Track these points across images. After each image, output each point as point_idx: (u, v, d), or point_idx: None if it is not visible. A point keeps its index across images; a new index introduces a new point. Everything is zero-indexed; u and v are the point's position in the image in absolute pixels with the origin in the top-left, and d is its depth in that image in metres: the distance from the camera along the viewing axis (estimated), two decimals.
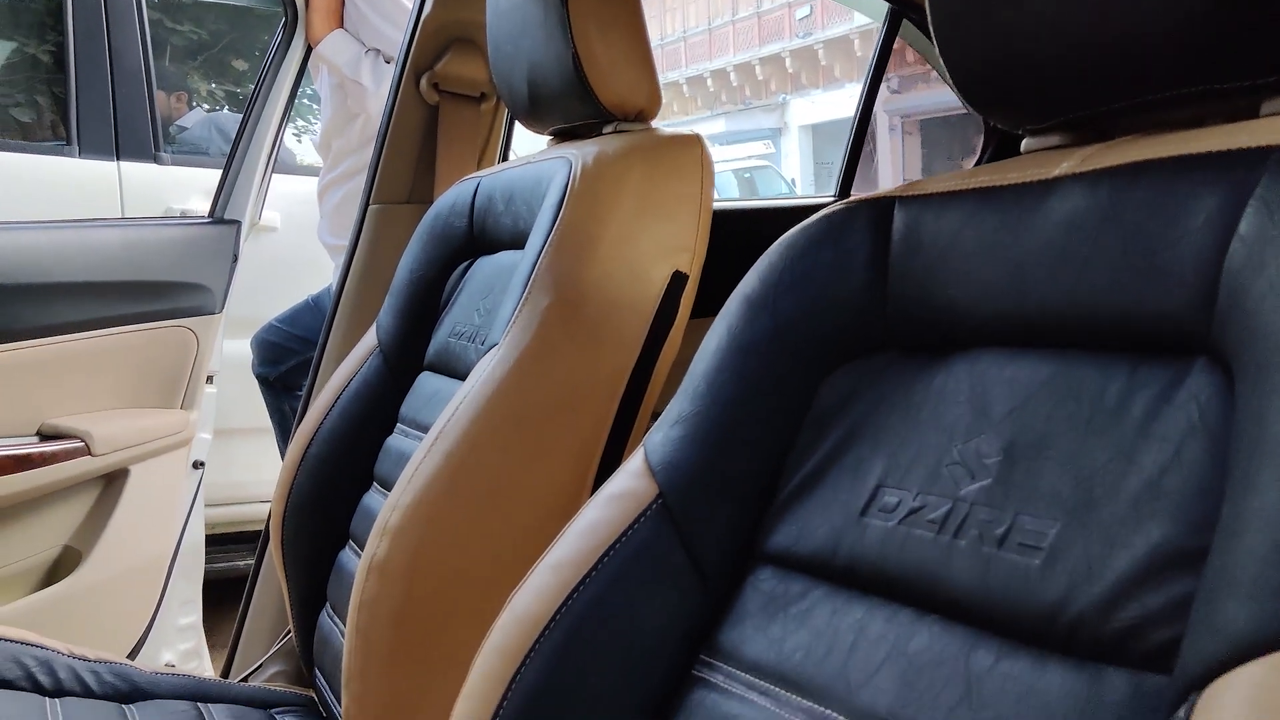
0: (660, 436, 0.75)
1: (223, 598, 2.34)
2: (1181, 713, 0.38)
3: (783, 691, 0.62)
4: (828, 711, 0.58)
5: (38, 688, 1.23)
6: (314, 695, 1.38)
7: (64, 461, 1.74)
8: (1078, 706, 0.47)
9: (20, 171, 2.48)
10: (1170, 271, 0.51)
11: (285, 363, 2.72)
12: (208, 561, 2.17)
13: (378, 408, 1.37)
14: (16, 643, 1.27)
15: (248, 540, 2.88)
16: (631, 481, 0.75)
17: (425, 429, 1.25)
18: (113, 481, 1.85)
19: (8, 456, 1.67)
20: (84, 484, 1.82)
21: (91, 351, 1.83)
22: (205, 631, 2.14)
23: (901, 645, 0.57)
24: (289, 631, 1.43)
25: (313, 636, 1.33)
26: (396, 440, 1.32)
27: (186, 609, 2.09)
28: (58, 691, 1.24)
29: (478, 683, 0.73)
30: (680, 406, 0.75)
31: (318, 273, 2.78)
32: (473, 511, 0.95)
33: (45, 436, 1.77)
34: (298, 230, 2.91)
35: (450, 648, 0.94)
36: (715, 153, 1.07)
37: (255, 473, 2.86)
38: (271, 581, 1.55)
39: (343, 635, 1.23)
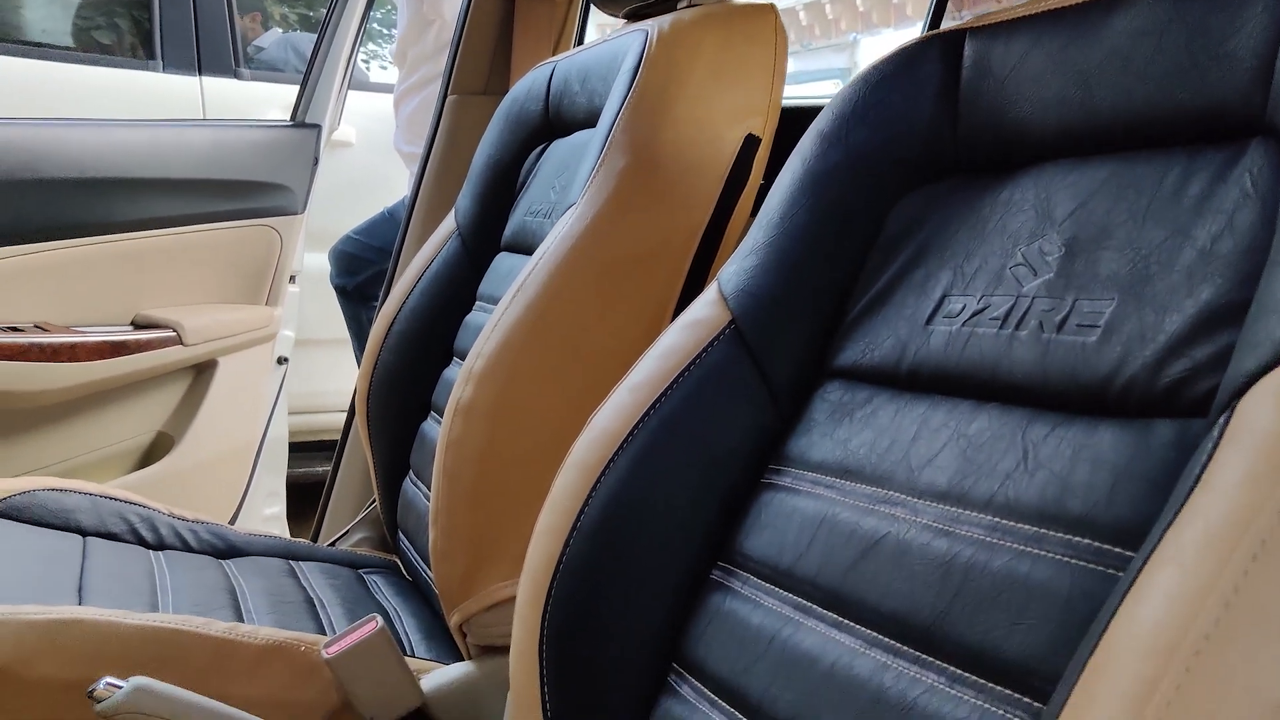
0: (734, 268, 0.79)
1: (302, 499, 2.43)
2: (1221, 420, 0.41)
3: (846, 483, 0.66)
4: (890, 493, 0.62)
5: (141, 541, 1.31)
6: (397, 560, 1.45)
7: (157, 350, 1.82)
8: (1126, 455, 0.50)
9: (108, 85, 2.56)
10: (1229, 60, 0.54)
11: (362, 273, 2.79)
12: (287, 466, 2.26)
13: (456, 288, 1.42)
14: (121, 501, 1.35)
15: (325, 448, 2.98)
16: (706, 310, 0.79)
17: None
18: (202, 372, 1.94)
19: (105, 342, 1.76)
20: (175, 373, 1.90)
21: (182, 247, 1.90)
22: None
23: (962, 429, 0.61)
24: (373, 501, 1.50)
25: (396, 503, 1.40)
26: (475, 316, 1.38)
27: (271, 500, 2.18)
28: (159, 546, 1.32)
29: (558, 496, 0.78)
30: (754, 238, 0.79)
31: (392, 187, 2.85)
32: (551, 360, 0.99)
33: (139, 326, 1.86)
34: (372, 146, 2.97)
35: (531, 485, 0.99)
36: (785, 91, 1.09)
37: (332, 382, 2.95)
38: (356, 455, 1.62)
39: (426, 498, 1.30)
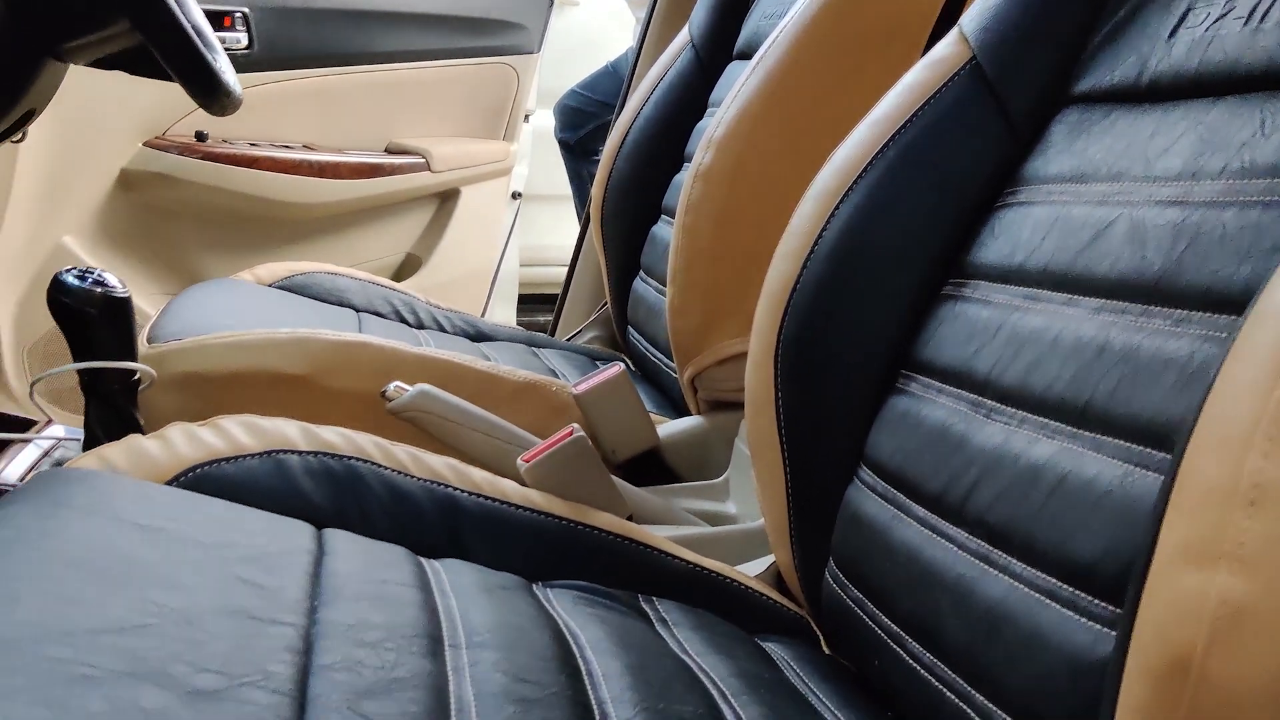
0: (976, 9, 0.82)
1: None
2: None
3: (1081, 186, 0.69)
4: (1125, 185, 0.66)
5: (403, 321, 1.46)
6: (625, 357, 1.55)
7: (408, 174, 1.97)
8: None
9: None
10: None
11: (585, 126, 2.90)
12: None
13: (689, 97, 1.49)
14: (386, 287, 1.50)
15: (547, 300, 3.13)
16: (946, 49, 0.83)
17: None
18: (446, 200, 2.08)
19: (364, 163, 1.92)
20: (423, 199, 2.06)
21: (428, 80, 2.04)
22: None
23: (1200, 118, 0.63)
24: (604, 304, 1.61)
25: (627, 301, 1.49)
26: (707, 122, 1.44)
27: None
28: (419, 327, 1.46)
29: (796, 225, 0.85)
30: None
31: (617, 47, 2.92)
32: (788, 128, 1.05)
33: (392, 152, 2.01)
34: (596, 7, 3.05)
35: (764, 248, 1.06)
36: None
37: (553, 237, 3.08)
38: (589, 263, 1.72)
39: (656, 293, 1.39)
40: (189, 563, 0.61)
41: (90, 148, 1.67)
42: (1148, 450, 0.53)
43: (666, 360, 1.29)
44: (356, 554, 0.69)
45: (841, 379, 0.80)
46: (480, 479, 0.81)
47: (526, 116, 2.23)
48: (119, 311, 0.85)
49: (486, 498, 0.80)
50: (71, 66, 1.11)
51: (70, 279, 0.84)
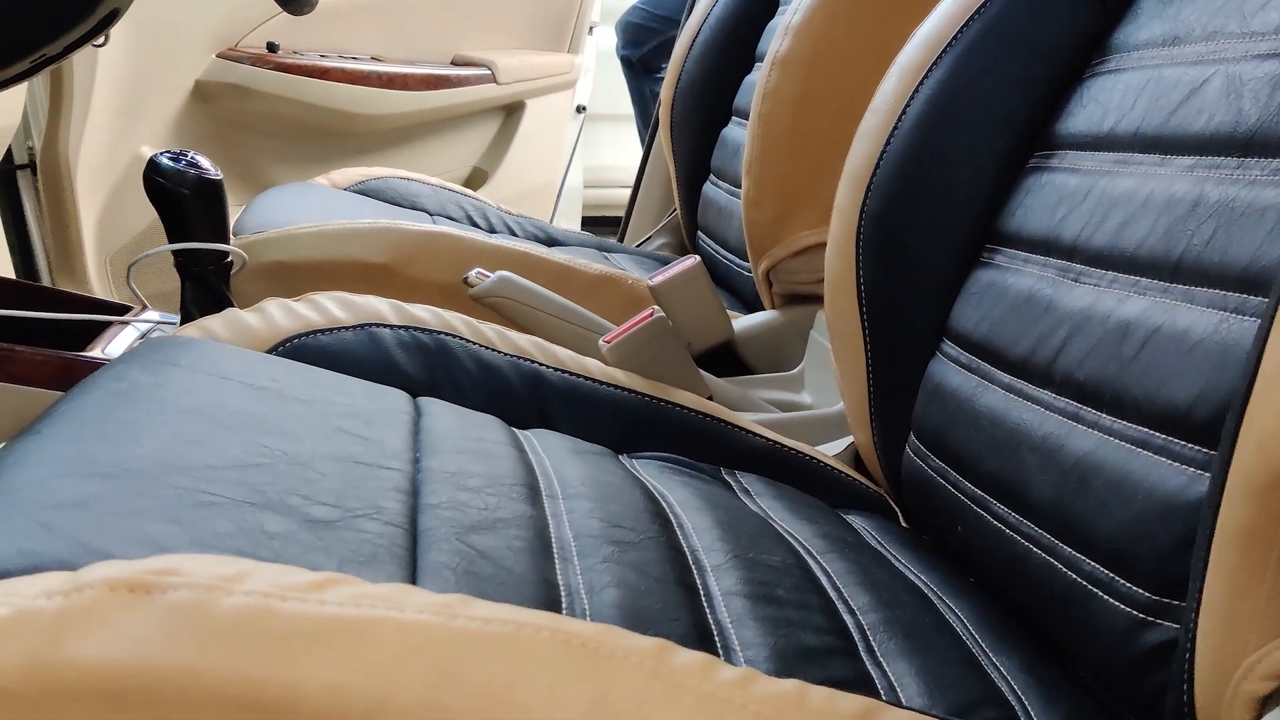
0: None
1: None
2: None
3: (1174, 49, 0.68)
4: (1221, 44, 0.65)
5: (474, 225, 1.47)
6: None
7: (474, 86, 1.98)
8: None
9: None
10: None
11: (648, 43, 2.87)
12: None
13: None
14: (457, 192, 1.51)
15: (609, 223, 3.13)
16: None
17: None
18: (512, 113, 2.09)
19: (431, 74, 1.93)
20: (488, 112, 2.06)
21: None
22: None
23: None
24: (674, 210, 1.61)
25: (697, 205, 1.50)
26: (779, 20, 1.43)
27: None
28: (490, 230, 1.47)
29: (880, 101, 0.84)
30: None
31: None
32: (867, 10, 1.04)
33: (458, 64, 2.01)
34: None
35: (842, 136, 1.05)
36: None
37: (614, 157, 3.07)
38: (657, 171, 1.72)
39: (727, 194, 1.39)
40: (294, 415, 0.63)
41: (165, 59, 1.70)
42: (1244, 296, 0.53)
43: (739, 261, 1.30)
44: (452, 417, 0.71)
45: (925, 255, 0.80)
46: (565, 356, 0.83)
47: (591, 29, 2.22)
48: (212, 193, 0.87)
49: (571, 374, 0.82)
50: None
51: (165, 160, 0.86)
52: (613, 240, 1.56)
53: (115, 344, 0.89)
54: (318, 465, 0.57)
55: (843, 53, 1.05)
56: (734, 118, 1.46)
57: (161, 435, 0.56)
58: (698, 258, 1.08)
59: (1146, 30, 0.72)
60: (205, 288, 0.89)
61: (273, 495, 0.52)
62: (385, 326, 0.79)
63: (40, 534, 0.43)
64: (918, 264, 0.80)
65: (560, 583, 0.53)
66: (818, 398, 1.04)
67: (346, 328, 0.78)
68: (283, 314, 0.77)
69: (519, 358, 0.81)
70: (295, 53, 1.82)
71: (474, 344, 0.80)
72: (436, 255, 1.04)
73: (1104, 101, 0.72)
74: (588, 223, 3.06)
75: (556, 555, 0.55)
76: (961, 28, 0.81)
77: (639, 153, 3.04)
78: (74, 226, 1.65)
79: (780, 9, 1.44)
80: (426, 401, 0.73)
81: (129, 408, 0.59)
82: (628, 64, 2.92)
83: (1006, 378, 0.69)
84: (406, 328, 0.79)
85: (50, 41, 1.15)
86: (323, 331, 0.77)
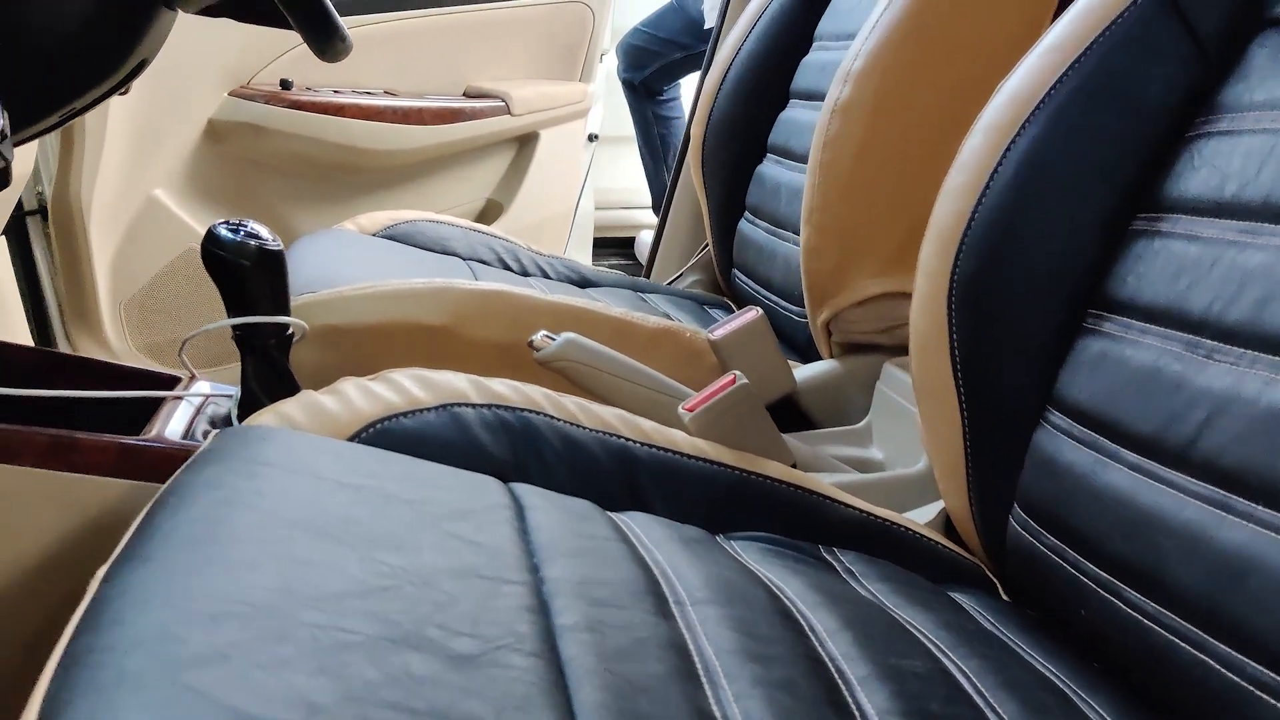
0: None
1: None
2: None
3: None
4: None
5: (507, 268, 1.44)
6: (729, 300, 1.53)
7: (488, 118, 1.94)
8: None
9: None
10: None
11: (649, 66, 2.85)
12: None
13: (794, 30, 1.45)
14: (486, 234, 1.48)
15: (608, 244, 3.10)
16: None
17: (850, 38, 1.31)
18: (525, 143, 2.05)
19: (446, 108, 1.89)
20: (502, 144, 2.03)
21: (503, 21, 2.00)
22: None
23: None
24: (705, 247, 1.58)
25: (731, 243, 1.47)
26: (816, 56, 1.40)
27: None
28: (524, 274, 1.44)
29: (968, 158, 0.81)
30: None
31: None
32: (929, 56, 1.01)
33: (471, 96, 1.98)
34: None
35: (905, 183, 1.03)
36: None
37: (614, 180, 3.04)
38: (685, 205, 1.69)
39: (766, 233, 1.36)
40: (401, 520, 0.59)
41: (177, 98, 1.65)
42: None
43: (784, 304, 1.27)
44: (551, 508, 0.67)
45: (1024, 319, 0.77)
46: (649, 429, 0.80)
47: (601, 56, 2.19)
48: (274, 264, 0.83)
49: (659, 448, 0.78)
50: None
51: (224, 231, 0.82)
52: (644, 280, 1.52)
53: (174, 422, 0.85)
54: (443, 584, 0.53)
55: (905, 100, 1.02)
56: (769, 155, 1.43)
57: (278, 557, 0.52)
58: (759, 310, 1.05)
59: (1262, 90, 0.70)
60: (267, 362, 0.85)
61: (409, 627, 0.49)
62: (468, 406, 0.76)
63: (190, 702, 0.40)
64: (1016, 328, 0.78)
65: (716, 714, 0.49)
66: (889, 452, 1.01)
67: (428, 409, 0.74)
68: (361, 396, 0.74)
69: (605, 433, 0.78)
70: (309, 89, 1.78)
71: (559, 420, 0.77)
72: (494, 315, 1.01)
73: (1221, 166, 0.69)
74: (599, 244, 3.01)
75: (704, 679, 0.52)
76: (1055, 84, 0.78)
77: (638, 169, 3.02)
78: (87, 272, 1.60)
79: (815, 45, 1.41)
80: (522, 490, 0.70)
81: (234, 520, 0.55)
82: (629, 87, 2.89)
83: (1132, 456, 0.66)
84: (489, 406, 0.76)
85: (81, 95, 1.11)
86: (405, 414, 0.73)
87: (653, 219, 3.07)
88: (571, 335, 0.92)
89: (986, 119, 0.82)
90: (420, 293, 1.00)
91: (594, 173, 2.84)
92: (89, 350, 1.63)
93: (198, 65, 1.65)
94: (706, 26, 2.58)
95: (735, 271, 1.45)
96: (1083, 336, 0.75)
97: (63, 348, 1.63)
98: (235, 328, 0.84)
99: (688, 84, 2.98)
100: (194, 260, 1.70)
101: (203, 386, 0.93)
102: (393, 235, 1.40)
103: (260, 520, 0.55)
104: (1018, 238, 0.78)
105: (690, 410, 0.83)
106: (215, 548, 0.52)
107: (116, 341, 1.65)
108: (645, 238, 3.12)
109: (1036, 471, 0.75)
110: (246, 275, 0.82)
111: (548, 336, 0.92)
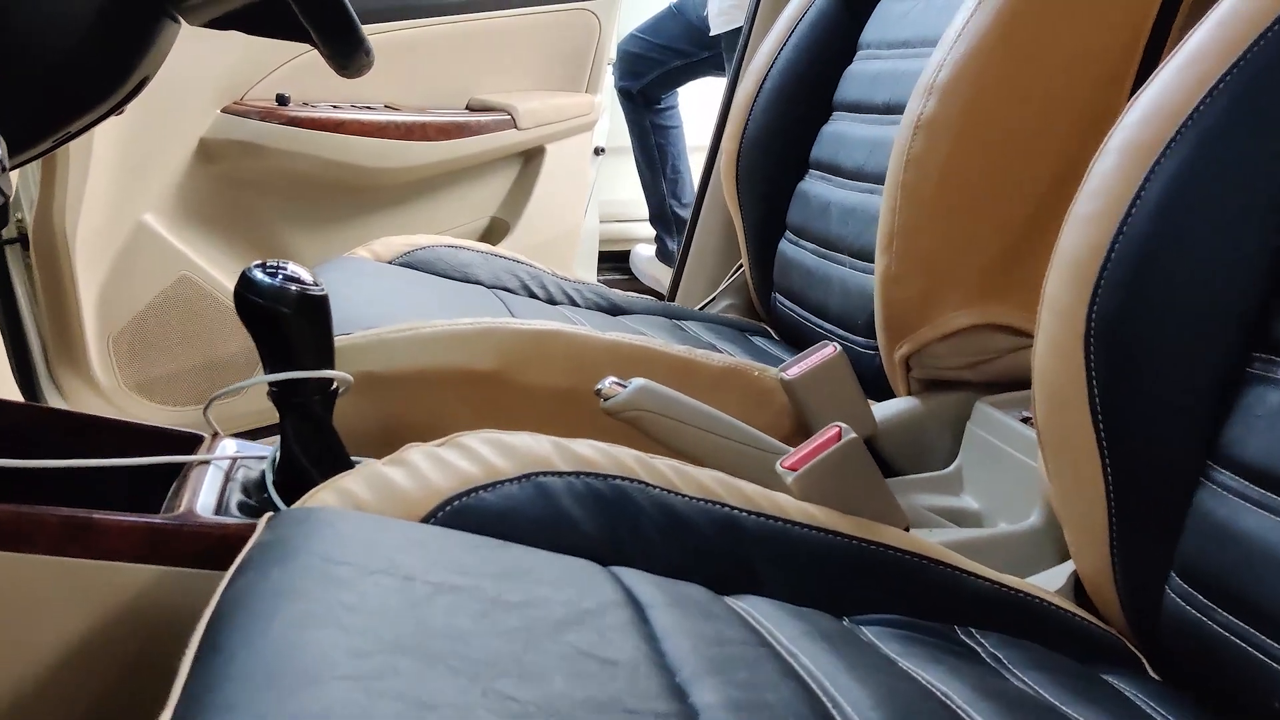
0: None
1: None
2: None
3: None
4: None
5: (533, 296, 1.34)
6: (767, 325, 1.44)
7: (494, 133, 1.84)
8: None
9: None
10: None
11: (647, 74, 2.75)
12: None
13: (834, 39, 1.36)
14: (507, 259, 1.38)
15: (605, 259, 2.98)
16: None
17: (904, 46, 1.23)
18: (531, 159, 1.95)
19: (450, 122, 1.79)
20: (506, 159, 1.93)
21: (506, 31, 1.90)
22: None
23: None
24: (739, 268, 1.48)
25: (770, 264, 1.37)
26: (861, 66, 1.31)
27: None
28: (551, 301, 1.34)
29: (1100, 183, 0.73)
30: None
31: None
32: (1021, 70, 0.93)
33: (474, 110, 1.88)
34: None
35: (996, 206, 0.94)
36: None
37: (609, 191, 2.94)
38: (713, 223, 1.60)
39: (813, 255, 1.27)
40: (513, 634, 0.50)
41: (167, 117, 1.54)
42: None
43: (841, 332, 1.18)
44: (671, 604, 0.58)
45: (1179, 365, 0.68)
46: (752, 493, 0.70)
47: (610, 65, 2.09)
48: (317, 311, 0.73)
49: (767, 516, 0.69)
50: None
51: (260, 275, 0.72)
52: (677, 305, 1.43)
53: (204, 494, 0.75)
54: None
55: (994, 114, 0.93)
56: (812, 170, 1.34)
57: (392, 697, 0.42)
58: (837, 346, 0.96)
59: None
60: (310, 421, 0.75)
61: None
62: (553, 474, 0.66)
63: None
64: (1169, 375, 0.69)
65: None
66: (986, 503, 0.93)
67: (510, 480, 0.65)
68: (434, 468, 0.64)
69: (706, 500, 0.68)
70: (306, 104, 1.67)
71: (654, 488, 0.68)
72: (549, 357, 0.91)
73: None
74: (603, 258, 2.90)
75: None
76: (1204, 99, 0.69)
77: (635, 180, 2.92)
78: (72, 304, 1.49)
79: (860, 54, 1.32)
80: (630, 579, 0.60)
81: (324, 645, 0.45)
82: (626, 95, 2.80)
83: None
84: (577, 474, 0.66)
85: (79, 117, 1.01)
86: (484, 488, 0.63)
87: (649, 232, 2.97)
88: (643, 382, 0.83)
89: (1121, 139, 0.73)
90: (468, 335, 0.90)
91: (600, 184, 2.75)
92: (75, 389, 1.51)
93: (189, 80, 1.54)
94: (712, 33, 2.49)
95: (777, 296, 1.35)
96: (1255, 384, 0.66)
97: (46, 386, 1.51)
98: (273, 384, 0.74)
99: (685, 93, 2.89)
100: (188, 289, 1.59)
101: (229, 446, 0.83)
102: (411, 262, 1.30)
103: (357, 645, 0.45)
104: (1168, 274, 0.69)
105: (793, 468, 0.74)
106: (312, 692, 0.42)
107: (105, 379, 1.53)
108: (641, 251, 3.02)
109: (1201, 537, 0.66)
110: (287, 323, 0.72)
111: (617, 384, 0.83)
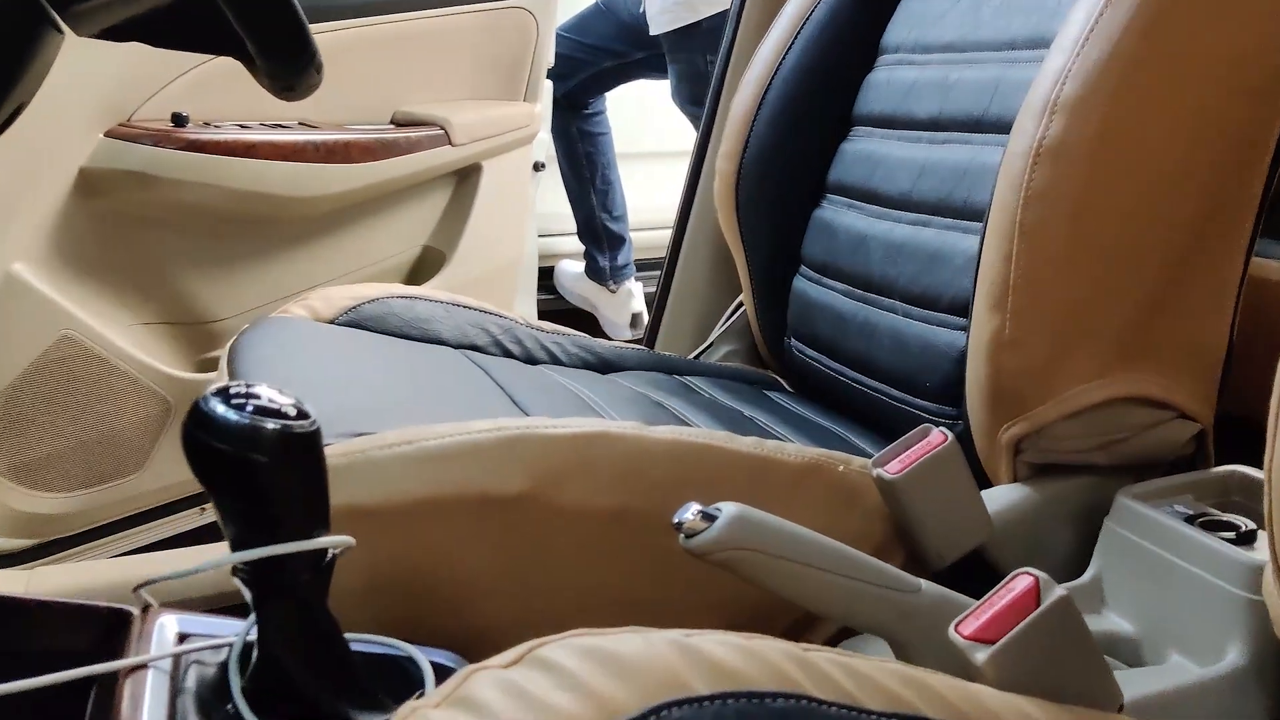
0: None
1: None
2: None
3: None
4: None
5: (508, 354, 1.12)
6: (776, 375, 1.23)
7: (427, 150, 1.60)
8: None
9: None
10: None
11: (575, 76, 2.53)
12: None
13: (850, 41, 1.17)
14: (472, 309, 1.15)
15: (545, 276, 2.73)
16: None
17: (949, 50, 1.04)
18: (466, 178, 1.72)
19: (377, 140, 1.54)
20: (437, 180, 1.69)
21: (433, 33, 1.66)
22: None
23: None
24: (738, 309, 1.28)
25: (783, 305, 1.17)
26: (888, 73, 1.12)
27: None
28: (531, 360, 1.12)
29: None
30: None
31: None
32: (1171, 79, 0.74)
33: (400, 124, 1.63)
34: None
35: (1140, 252, 0.76)
36: None
37: (555, 203, 2.70)
38: (697, 257, 1.39)
39: (838, 294, 1.07)
40: None
41: (37, 146, 1.26)
42: None
43: (893, 392, 0.98)
44: None
45: None
46: (945, 688, 0.50)
47: (548, 71, 1.86)
48: (307, 453, 0.50)
49: None
50: None
51: (220, 409, 0.48)
52: (673, 356, 1.22)
53: (146, 710, 0.51)
54: None
55: (1135, 137, 0.75)
56: (831, 195, 1.14)
57: None
58: (947, 434, 0.76)
59: None
60: (297, 605, 0.52)
61: None
62: (691, 702, 0.44)
63: None
64: None
65: None
66: (1140, 625, 0.74)
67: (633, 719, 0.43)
68: (519, 711, 0.42)
69: (898, 716, 0.48)
70: (208, 124, 1.40)
71: (830, 706, 0.47)
72: (593, 470, 0.69)
73: None
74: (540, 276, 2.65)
75: None
76: None
77: (561, 195, 2.68)
78: None
79: (881, 61, 1.13)
80: None
81: None
82: (553, 101, 2.56)
83: None
84: (724, 697, 0.45)
85: None
86: None
87: (575, 247, 2.74)
88: (737, 509, 0.62)
89: None
90: (485, 447, 0.67)
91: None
92: None
93: (64, 100, 1.26)
94: (652, 33, 2.28)
95: (793, 342, 1.15)
96: None
97: None
98: (245, 562, 0.51)
99: (613, 97, 2.68)
100: (69, 351, 1.32)
101: (169, 629, 0.59)
102: (358, 320, 1.06)
103: None
104: None
105: (981, 639, 0.54)
106: None
107: None
108: (567, 268, 2.80)
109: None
110: (266, 476, 0.49)
111: (704, 514, 0.62)
